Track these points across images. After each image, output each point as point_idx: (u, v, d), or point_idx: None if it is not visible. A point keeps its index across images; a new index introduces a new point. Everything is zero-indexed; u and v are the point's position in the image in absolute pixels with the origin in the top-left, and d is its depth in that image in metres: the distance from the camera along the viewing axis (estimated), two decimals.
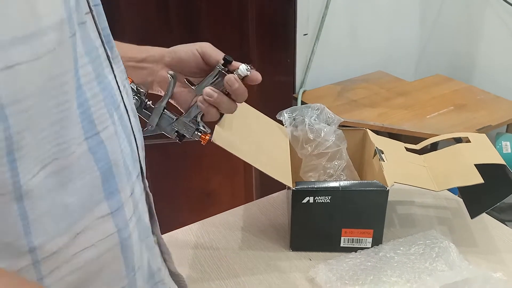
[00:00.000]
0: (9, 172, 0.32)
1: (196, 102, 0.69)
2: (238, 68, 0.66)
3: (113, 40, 0.44)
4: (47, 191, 0.34)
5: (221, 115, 0.71)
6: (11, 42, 0.30)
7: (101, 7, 0.42)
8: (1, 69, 0.30)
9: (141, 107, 0.69)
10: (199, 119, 0.70)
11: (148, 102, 0.69)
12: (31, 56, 0.31)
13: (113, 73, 0.43)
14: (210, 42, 0.70)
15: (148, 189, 0.50)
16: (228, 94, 0.68)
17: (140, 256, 0.46)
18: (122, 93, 0.44)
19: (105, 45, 0.42)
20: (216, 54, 0.69)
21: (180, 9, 1.60)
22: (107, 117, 0.39)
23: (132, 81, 0.67)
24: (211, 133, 0.70)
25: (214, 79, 0.67)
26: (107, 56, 0.42)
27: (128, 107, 0.45)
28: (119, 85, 0.43)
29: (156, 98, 0.71)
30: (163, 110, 0.70)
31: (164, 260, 0.54)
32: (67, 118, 0.35)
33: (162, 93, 0.71)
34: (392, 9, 2.03)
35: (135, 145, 0.46)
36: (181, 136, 0.71)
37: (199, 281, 0.76)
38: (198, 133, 0.70)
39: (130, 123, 0.45)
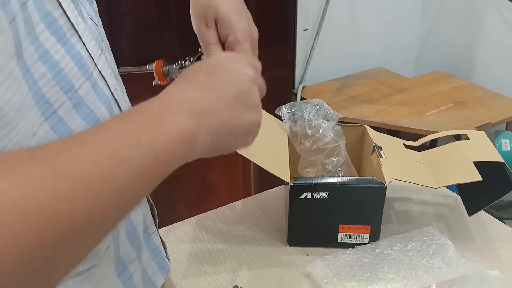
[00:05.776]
0: None
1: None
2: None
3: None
4: None
5: None
6: None
7: None
8: None
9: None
10: None
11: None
12: None
13: (82, 41, 0.42)
14: None
15: None
16: None
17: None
18: (94, 60, 0.43)
19: (68, 14, 0.40)
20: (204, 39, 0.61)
21: (180, 4, 1.59)
22: (61, 94, 0.38)
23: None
24: None
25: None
26: (72, 25, 0.41)
27: (105, 72, 0.45)
28: (90, 52, 0.43)
29: None
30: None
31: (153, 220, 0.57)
32: (23, 104, 0.34)
33: None
34: (393, 5, 2.02)
35: (117, 108, 0.46)
36: None
37: (196, 275, 0.76)
38: None
39: (109, 88, 0.45)
